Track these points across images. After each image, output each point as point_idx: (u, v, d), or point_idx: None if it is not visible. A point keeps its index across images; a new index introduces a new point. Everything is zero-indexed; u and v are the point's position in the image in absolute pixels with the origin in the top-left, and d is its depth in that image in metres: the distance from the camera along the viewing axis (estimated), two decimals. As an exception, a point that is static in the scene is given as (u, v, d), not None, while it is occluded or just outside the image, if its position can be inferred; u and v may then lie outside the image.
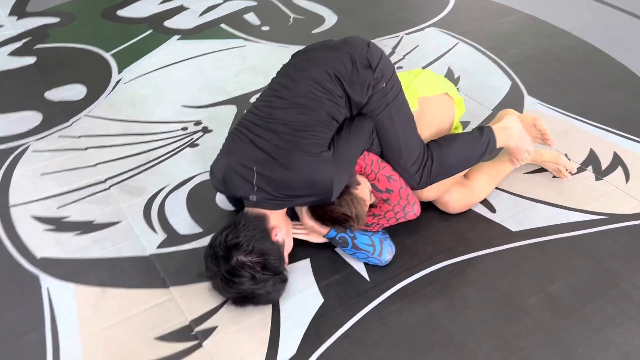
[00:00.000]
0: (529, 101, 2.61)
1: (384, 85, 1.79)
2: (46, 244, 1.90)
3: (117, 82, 2.77)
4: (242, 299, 1.66)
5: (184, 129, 2.45)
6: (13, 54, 2.99)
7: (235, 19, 3.33)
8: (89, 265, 1.84)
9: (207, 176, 2.16)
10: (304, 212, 1.80)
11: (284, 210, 1.76)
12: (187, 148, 2.34)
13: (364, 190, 1.79)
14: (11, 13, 3.39)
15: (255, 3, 3.49)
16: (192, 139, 2.39)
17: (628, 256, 1.87)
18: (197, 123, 2.48)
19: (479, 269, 1.84)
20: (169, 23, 3.29)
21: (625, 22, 3.29)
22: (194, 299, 1.73)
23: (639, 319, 1.68)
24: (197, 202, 2.08)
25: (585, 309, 1.71)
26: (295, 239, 1.81)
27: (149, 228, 1.97)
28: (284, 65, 1.90)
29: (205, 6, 3.45)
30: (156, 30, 3.22)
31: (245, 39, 3.13)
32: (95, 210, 2.04)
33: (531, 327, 1.66)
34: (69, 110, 2.56)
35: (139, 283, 1.78)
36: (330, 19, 3.33)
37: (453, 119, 2.05)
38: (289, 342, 1.61)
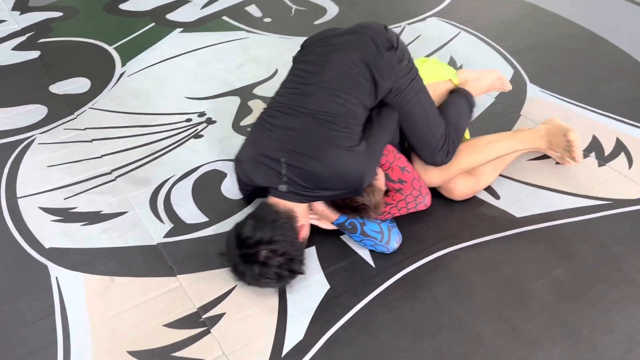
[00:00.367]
0: (532, 89, 2.61)
1: (406, 63, 1.83)
2: (54, 235, 1.92)
3: (121, 74, 2.78)
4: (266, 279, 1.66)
5: (188, 120, 2.46)
6: (17, 48, 3.00)
7: (237, 11, 3.34)
8: (96, 254, 1.86)
9: (212, 166, 2.20)
10: None
11: (307, 205, 1.76)
12: (192, 139, 2.35)
13: (381, 180, 1.82)
14: (14, 8, 3.40)
15: (257, -5, 3.51)
16: (196, 130, 2.40)
17: (631, 241, 1.88)
18: (201, 114, 2.50)
19: (484, 255, 1.85)
20: (171, 16, 3.30)
21: (627, 9, 3.29)
22: (201, 286, 1.75)
23: (643, 302, 1.69)
24: (203, 191, 2.09)
25: (589, 293, 1.72)
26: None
27: (156, 218, 1.99)
28: (299, 52, 1.90)
29: (207, -1, 3.47)
30: (158, 23, 3.23)
31: (247, 31, 3.14)
32: (101, 201, 2.06)
33: (536, 311, 1.68)
34: (73, 103, 2.57)
35: (147, 271, 1.80)
36: (332, 9, 3.33)
37: None
38: (296, 328, 1.63)
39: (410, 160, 1.95)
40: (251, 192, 1.88)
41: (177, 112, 2.52)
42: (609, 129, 2.36)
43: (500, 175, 2.12)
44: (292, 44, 2.97)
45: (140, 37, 3.10)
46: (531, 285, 1.75)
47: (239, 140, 2.32)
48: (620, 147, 2.26)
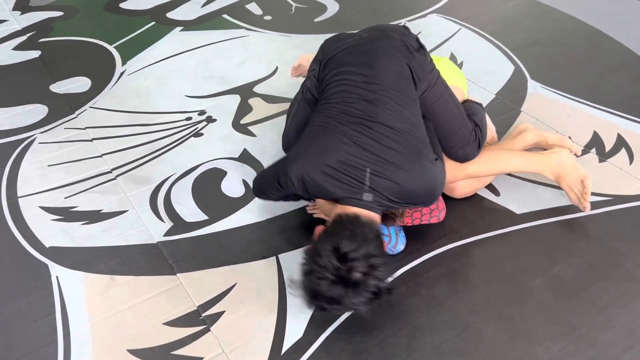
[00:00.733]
0: (532, 85, 2.61)
1: (429, 59, 1.82)
2: (55, 234, 1.93)
3: (121, 73, 2.78)
4: (331, 308, 1.51)
5: (188, 118, 2.47)
6: (18, 48, 3.01)
7: (237, 9, 3.34)
8: (97, 253, 1.86)
9: (212, 165, 2.20)
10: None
11: None
12: (192, 137, 2.35)
13: None
14: (15, 8, 3.41)
15: (257, -7, 3.50)
16: (197, 128, 2.41)
17: (632, 237, 1.88)
18: (201, 113, 2.50)
19: (484, 251, 1.85)
20: (171, 14, 3.30)
21: (629, 5, 3.27)
22: (201, 285, 1.75)
23: (643, 298, 1.69)
24: (203, 190, 2.10)
25: (589, 290, 1.72)
26: (308, 220, 1.81)
27: (156, 216, 1.99)
28: (327, 66, 1.80)
29: (208, -3, 3.47)
30: (159, 22, 3.24)
31: (247, 29, 3.14)
32: (102, 199, 2.06)
33: (536, 308, 1.67)
34: (74, 103, 2.57)
35: (147, 270, 1.80)
36: (332, 7, 3.33)
37: None
38: (296, 326, 1.63)
39: None
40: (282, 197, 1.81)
41: (177, 110, 2.52)
42: (610, 124, 2.35)
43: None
44: (293, 42, 2.98)
45: (140, 36, 3.10)
46: (531, 282, 1.74)
47: (240, 138, 2.34)
48: (621, 143, 2.25)
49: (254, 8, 3.35)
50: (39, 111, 2.53)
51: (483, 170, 1.96)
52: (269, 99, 2.56)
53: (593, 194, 2.02)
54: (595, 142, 2.26)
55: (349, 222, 1.52)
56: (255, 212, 1.99)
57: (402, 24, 3.11)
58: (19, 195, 2.09)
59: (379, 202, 1.60)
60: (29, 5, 3.44)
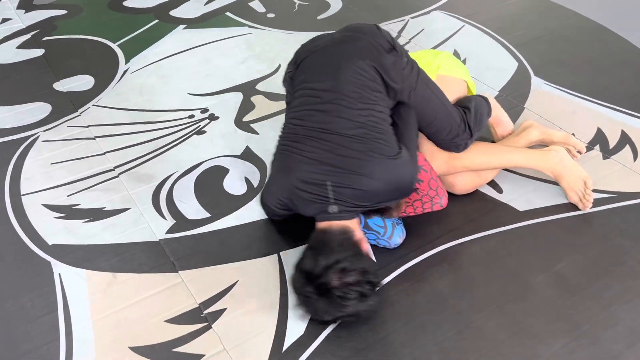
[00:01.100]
0: (536, 82, 2.59)
1: (406, 59, 1.80)
2: (57, 231, 1.94)
3: (125, 72, 2.79)
4: (339, 319, 1.57)
5: (191, 116, 2.47)
6: (22, 46, 3.02)
7: (241, 7, 3.34)
8: (99, 251, 1.87)
9: (215, 162, 2.20)
10: None
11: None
12: (195, 135, 2.35)
13: None
14: (19, 6, 3.42)
15: (260, -10, 3.50)
16: (199, 126, 2.41)
17: (636, 234, 1.86)
18: (204, 110, 2.50)
19: (486, 249, 1.84)
20: (174, 12, 3.31)
21: (634, 1, 3.25)
22: (203, 282, 1.76)
23: (646, 295, 1.68)
24: (205, 188, 2.10)
25: (592, 287, 1.71)
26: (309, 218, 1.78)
27: (158, 214, 1.99)
28: (296, 69, 1.82)
29: (211, -5, 3.47)
30: (162, 20, 3.24)
31: (250, 27, 3.13)
32: (104, 197, 2.07)
33: (538, 305, 1.67)
34: (77, 101, 2.58)
35: (149, 268, 1.81)
36: (336, 4, 3.32)
37: None
38: (297, 323, 1.63)
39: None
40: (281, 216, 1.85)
41: (180, 108, 2.52)
42: (614, 121, 2.34)
43: (503, 168, 2.11)
44: (296, 39, 2.97)
45: (143, 34, 3.11)
46: (533, 279, 1.74)
47: (242, 136, 2.34)
48: (625, 140, 2.24)
49: (257, 5, 3.35)
50: (42, 109, 2.53)
51: (481, 162, 1.95)
52: (272, 96, 2.56)
53: (596, 190, 2.01)
54: (599, 139, 2.25)
55: (314, 240, 1.59)
56: (257, 210, 1.99)
57: (406, 20, 3.11)
58: (22, 192, 2.09)
59: (348, 211, 1.63)
60: (33, 4, 3.45)
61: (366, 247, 1.68)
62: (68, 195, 2.08)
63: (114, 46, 3.00)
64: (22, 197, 2.08)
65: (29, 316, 1.67)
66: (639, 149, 2.19)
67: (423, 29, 3.03)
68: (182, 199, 2.05)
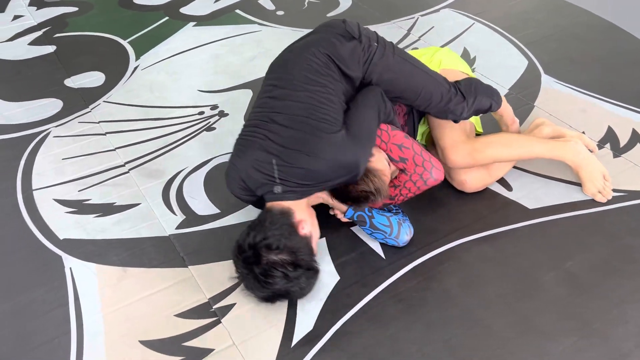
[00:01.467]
0: (546, 80, 2.58)
1: (376, 44, 1.81)
2: (68, 226, 1.95)
3: (135, 68, 2.80)
4: (274, 297, 1.63)
5: (201, 113, 2.48)
6: (33, 43, 3.04)
7: (250, 4, 3.34)
8: (110, 245, 1.88)
9: (224, 158, 2.21)
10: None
11: (307, 200, 1.73)
12: (204, 132, 2.36)
13: (379, 161, 1.77)
14: (31, 3, 3.45)
15: (269, -12, 3.51)
16: (209, 122, 2.42)
17: (646, 232, 1.86)
18: (214, 107, 2.51)
19: (495, 246, 1.84)
20: (184, 10, 3.32)
21: (645, -1, 3.23)
22: (212, 277, 1.76)
23: (657, 294, 1.67)
24: (215, 183, 2.11)
25: (602, 285, 1.70)
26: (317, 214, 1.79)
27: (168, 209, 2.01)
28: (270, 64, 1.88)
29: (220, -8, 3.48)
30: (172, 17, 3.25)
31: (260, 24, 3.14)
32: (115, 193, 2.08)
33: (548, 303, 1.66)
34: (88, 97, 2.60)
35: (159, 262, 1.82)
36: (345, 2, 3.32)
37: None
38: (306, 318, 1.64)
39: (429, 146, 1.92)
40: (259, 200, 1.83)
41: (190, 105, 2.53)
42: (625, 120, 2.33)
43: (513, 167, 2.10)
44: (305, 37, 2.97)
45: (154, 31, 3.12)
46: (543, 277, 1.73)
47: (251, 132, 2.34)
48: (636, 138, 2.23)
49: (266, 3, 3.35)
50: (53, 105, 2.55)
51: (503, 154, 1.94)
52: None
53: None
54: (610, 137, 2.24)
55: (256, 218, 1.66)
56: (266, 205, 1.99)
57: (415, 18, 3.11)
58: (33, 188, 2.11)
59: (293, 191, 1.65)
60: (45, 1, 3.47)
61: (306, 230, 1.67)
62: (79, 191, 2.09)
63: (125, 43, 3.02)
64: (33, 192, 2.09)
65: (40, 309, 1.69)
66: (650, 147, 2.18)
67: (433, 27, 3.02)
68: (192, 195, 2.06)
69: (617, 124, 2.30)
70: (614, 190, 2.00)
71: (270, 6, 3.32)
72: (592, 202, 1.97)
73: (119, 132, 2.38)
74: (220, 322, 1.64)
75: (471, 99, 1.89)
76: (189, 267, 1.80)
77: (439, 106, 1.86)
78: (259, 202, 1.79)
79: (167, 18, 3.24)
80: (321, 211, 1.92)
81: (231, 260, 1.78)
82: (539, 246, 1.83)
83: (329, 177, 1.66)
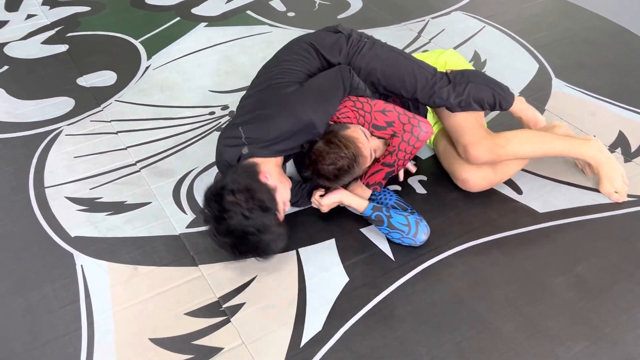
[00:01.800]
0: (557, 83, 2.58)
1: (367, 40, 1.96)
2: (80, 224, 1.96)
3: (146, 68, 2.82)
4: (238, 244, 1.66)
5: (211, 113, 2.49)
6: (46, 42, 3.06)
7: (261, 6, 3.36)
8: (121, 243, 1.89)
9: (234, 159, 2.22)
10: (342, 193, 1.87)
11: (278, 162, 1.80)
12: (215, 132, 2.37)
13: (354, 131, 1.83)
14: (44, 3, 3.47)
15: (281, -11, 3.52)
16: (219, 123, 2.43)
17: (657, 237, 1.85)
18: (224, 107, 2.52)
19: (505, 250, 1.84)
20: (196, 10, 3.34)
21: (657, 3, 3.22)
22: (222, 276, 1.77)
23: (667, 300, 1.66)
24: (225, 183, 2.12)
25: (612, 290, 1.70)
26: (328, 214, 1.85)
27: (178, 208, 2.02)
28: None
29: (232, -7, 3.49)
30: (183, 17, 3.27)
31: (270, 25, 3.15)
32: (126, 191, 2.09)
33: (557, 307, 1.66)
34: (100, 96, 2.62)
35: (169, 261, 1.83)
36: (356, 4, 3.33)
37: None
38: (315, 319, 1.64)
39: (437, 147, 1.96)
40: None
41: (200, 105, 2.55)
42: (636, 124, 2.32)
43: (523, 170, 2.10)
44: (315, 38, 2.98)
45: (165, 32, 3.14)
46: (553, 281, 1.73)
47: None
48: (647, 143, 2.22)
49: (277, 4, 3.37)
50: (66, 104, 2.57)
51: (525, 150, 1.94)
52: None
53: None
54: (621, 142, 2.23)
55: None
56: (276, 206, 2.00)
57: (426, 21, 3.11)
58: (45, 185, 2.13)
59: (259, 149, 1.76)
60: (58, 0, 3.50)
61: (266, 179, 1.71)
62: (90, 189, 2.11)
63: (136, 43, 3.03)
64: (45, 189, 2.11)
65: (51, 306, 1.70)
66: (661, 152, 2.17)
67: (443, 29, 3.02)
68: (202, 194, 2.06)
69: (628, 128, 2.30)
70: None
71: (281, 7, 3.33)
72: (603, 207, 1.96)
73: (130, 131, 2.39)
74: (230, 321, 1.65)
75: (462, 85, 1.91)
76: (199, 266, 1.81)
77: (424, 90, 1.91)
78: None
79: (178, 18, 3.26)
80: (331, 212, 1.94)
81: (241, 260, 1.81)
82: (549, 250, 1.83)
83: (288, 130, 1.75)
